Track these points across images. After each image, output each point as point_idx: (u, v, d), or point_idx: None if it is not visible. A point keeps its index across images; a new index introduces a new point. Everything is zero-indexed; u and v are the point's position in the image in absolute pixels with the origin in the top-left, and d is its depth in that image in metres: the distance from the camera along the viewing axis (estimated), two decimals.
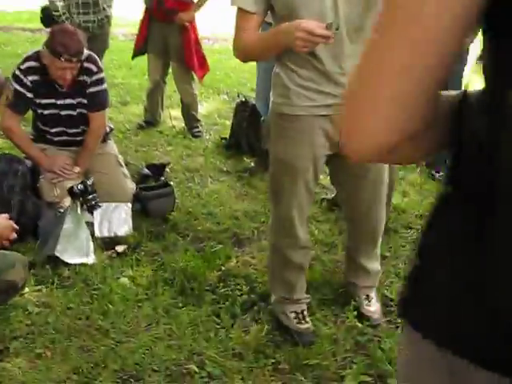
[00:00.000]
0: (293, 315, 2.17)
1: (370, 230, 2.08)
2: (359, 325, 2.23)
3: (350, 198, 2.03)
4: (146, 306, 2.24)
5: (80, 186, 2.56)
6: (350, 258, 2.26)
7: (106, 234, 2.76)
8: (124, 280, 2.39)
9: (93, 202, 2.59)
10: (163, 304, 2.26)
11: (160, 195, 3.00)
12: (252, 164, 3.82)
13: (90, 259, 2.51)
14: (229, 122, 4.73)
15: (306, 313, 2.19)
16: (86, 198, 2.58)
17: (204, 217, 3.07)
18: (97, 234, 2.74)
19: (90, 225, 2.75)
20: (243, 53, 1.82)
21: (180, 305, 2.27)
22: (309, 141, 1.82)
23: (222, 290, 2.38)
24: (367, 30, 1.71)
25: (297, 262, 2.08)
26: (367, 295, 2.30)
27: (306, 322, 2.16)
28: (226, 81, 5.93)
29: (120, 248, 2.66)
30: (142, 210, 3.00)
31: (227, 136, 4.19)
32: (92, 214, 2.65)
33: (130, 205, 2.87)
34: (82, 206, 2.62)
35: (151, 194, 2.98)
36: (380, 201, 2.00)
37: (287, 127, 1.83)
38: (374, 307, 2.28)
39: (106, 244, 2.70)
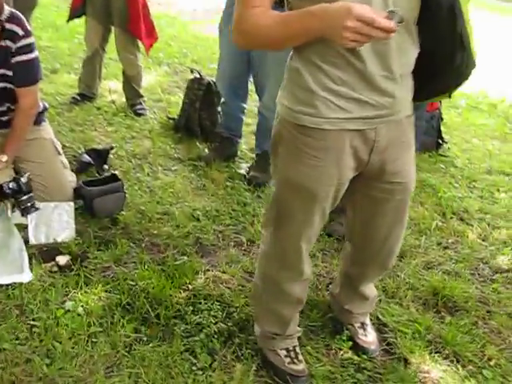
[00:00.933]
0: (284, 353, 1.83)
1: (385, 257, 1.75)
2: (355, 358, 1.94)
3: (367, 225, 1.67)
4: (103, 342, 1.80)
5: (12, 185, 2.03)
6: (348, 285, 1.94)
7: (43, 240, 2.25)
8: (71, 305, 1.93)
9: (28, 204, 2.07)
10: (124, 339, 1.83)
11: (107, 191, 2.51)
12: (206, 151, 3.38)
13: (26, 276, 2.01)
14: (174, 99, 4.26)
15: (298, 349, 1.86)
16: (20, 199, 2.06)
17: (159, 217, 2.62)
18: (32, 240, 2.23)
19: (22, 230, 2.24)
20: (249, 37, 1.34)
21: (145, 339, 1.85)
22: (335, 162, 1.42)
23: (194, 318, 1.98)
24: (412, 25, 1.35)
25: (296, 296, 1.73)
26: (362, 323, 2.01)
27: (300, 362, 1.82)
28: (167, 50, 5.37)
29: (62, 260, 2.17)
30: (85, 208, 2.51)
31: (175, 116, 3.72)
32: (26, 216, 2.13)
33: (72, 204, 2.37)
34: (13, 208, 2.10)
35: (97, 190, 2.48)
36: (401, 221, 1.66)
37: (307, 143, 1.41)
38: (370, 337, 1.99)
39: (44, 254, 2.20)
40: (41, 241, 2.24)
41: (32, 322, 1.84)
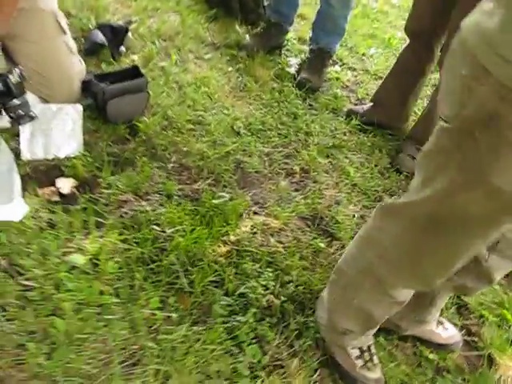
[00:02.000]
0: (356, 352, 1.38)
1: None
2: (434, 356, 1.52)
3: None
4: (119, 320, 1.33)
5: None
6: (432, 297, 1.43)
7: (40, 155, 1.69)
8: (77, 259, 1.43)
9: (20, 111, 1.48)
10: (147, 315, 1.36)
11: (127, 90, 1.90)
12: (247, 38, 2.68)
13: (18, 209, 1.49)
14: None
15: (373, 348, 1.41)
16: (9, 106, 1.46)
17: (190, 128, 2.04)
18: (25, 156, 1.67)
19: (12, 140, 1.67)
20: None
21: (175, 316, 1.38)
22: None
23: (238, 285, 1.50)
24: None
25: (400, 300, 1.23)
26: (438, 321, 1.55)
27: (375, 366, 1.38)
28: None
29: (65, 185, 1.64)
30: (96, 108, 1.92)
31: None
32: (18, 125, 1.55)
33: (80, 108, 1.78)
34: None
35: (114, 88, 1.87)
36: None
37: None
38: (449, 331, 1.56)
39: (41, 176, 1.66)
40: (37, 156, 1.68)
41: (25, 283, 1.35)
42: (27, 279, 1.36)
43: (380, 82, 2.65)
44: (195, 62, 2.43)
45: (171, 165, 1.86)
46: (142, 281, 1.43)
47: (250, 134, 2.11)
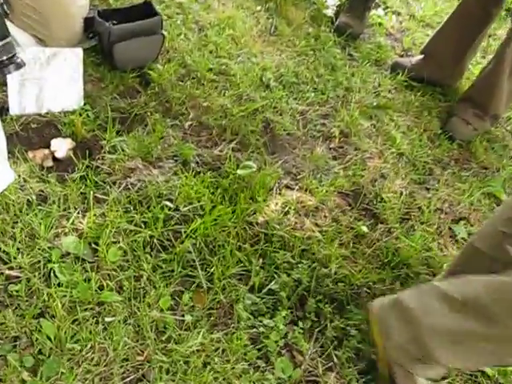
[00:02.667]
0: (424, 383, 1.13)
1: None
2: None
3: None
4: (121, 323, 1.09)
5: None
6: None
7: (31, 109, 1.41)
8: (71, 244, 1.17)
9: (4, 58, 1.18)
10: (156, 316, 1.12)
11: (138, 31, 1.58)
12: None
13: (2, 180, 1.22)
14: None
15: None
16: None
17: (212, 78, 1.73)
18: (13, 110, 1.38)
19: None
20: None
21: (189, 319, 1.13)
22: None
23: (264, 278, 1.24)
24: None
25: None
26: None
27: None
28: None
29: (61, 147, 1.36)
30: (101, 53, 1.61)
31: None
32: (4, 75, 1.26)
33: (80, 52, 1.47)
34: None
35: (122, 29, 1.55)
36: None
37: None
38: None
39: (32, 134, 1.38)
40: (28, 111, 1.39)
41: (7, 273, 1.10)
42: (10, 268, 1.11)
43: (428, 30, 2.29)
44: None
45: (188, 123, 1.57)
46: (149, 272, 1.17)
47: (281, 87, 1.80)
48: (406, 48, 2.29)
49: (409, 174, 1.69)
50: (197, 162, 1.46)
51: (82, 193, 1.27)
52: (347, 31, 2.11)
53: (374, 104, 1.88)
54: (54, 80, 1.41)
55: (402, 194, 1.60)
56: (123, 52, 1.57)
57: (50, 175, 1.28)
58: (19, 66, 1.23)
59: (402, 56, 2.22)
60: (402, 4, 2.58)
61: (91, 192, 1.26)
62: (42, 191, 1.25)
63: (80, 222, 1.21)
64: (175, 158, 1.45)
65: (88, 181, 1.29)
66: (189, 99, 1.63)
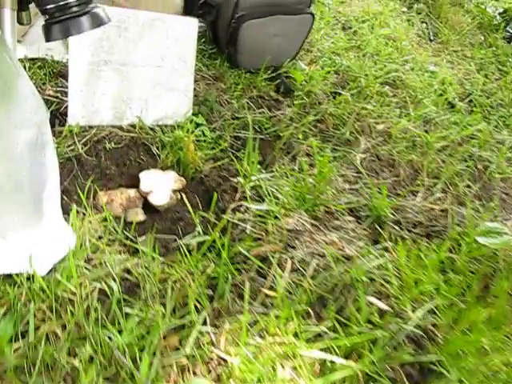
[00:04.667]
0: None
1: None
2: None
3: None
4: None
5: None
6: None
7: (108, 118, 0.77)
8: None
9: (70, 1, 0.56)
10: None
11: (276, 6, 0.97)
12: None
13: (50, 255, 0.56)
14: None
15: None
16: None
17: (383, 91, 1.10)
18: (74, 117, 0.75)
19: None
20: None
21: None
22: None
23: None
24: None
25: None
26: None
27: None
28: None
29: (159, 187, 0.71)
30: (214, 37, 1.00)
31: None
32: (67, 36, 0.63)
33: (195, 24, 0.85)
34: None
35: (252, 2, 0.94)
36: None
37: None
38: None
39: (105, 162, 0.73)
40: (100, 120, 0.76)
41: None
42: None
43: None
44: None
45: (360, 155, 0.92)
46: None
47: (472, 110, 1.15)
48: None
49: None
50: (397, 222, 0.79)
51: (211, 281, 0.60)
52: None
53: None
54: (147, 68, 0.79)
55: None
56: (254, 37, 0.95)
57: (141, 240, 0.62)
58: (99, 20, 0.59)
59: None
60: None
61: (229, 278, 0.59)
62: (129, 273, 0.58)
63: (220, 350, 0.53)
64: (360, 213, 0.78)
65: (223, 256, 0.62)
66: (354, 118, 0.98)
